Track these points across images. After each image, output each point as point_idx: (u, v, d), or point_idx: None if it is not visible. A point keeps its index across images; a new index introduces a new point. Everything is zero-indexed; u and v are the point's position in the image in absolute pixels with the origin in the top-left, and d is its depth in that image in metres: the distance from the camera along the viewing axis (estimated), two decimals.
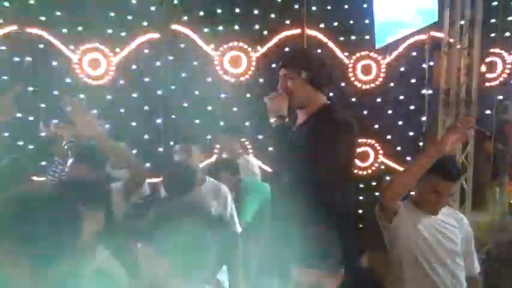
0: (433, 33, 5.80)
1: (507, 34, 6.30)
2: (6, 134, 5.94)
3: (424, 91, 6.21)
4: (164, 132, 6.10)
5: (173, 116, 6.17)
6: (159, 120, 6.16)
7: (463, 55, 4.02)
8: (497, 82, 6.33)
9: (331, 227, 2.05)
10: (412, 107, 6.23)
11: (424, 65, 6.18)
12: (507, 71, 6.62)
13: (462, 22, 4.56)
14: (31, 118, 5.96)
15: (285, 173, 2.23)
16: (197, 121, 6.18)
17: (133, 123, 6.08)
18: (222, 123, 6.19)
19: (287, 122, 2.27)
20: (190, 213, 1.44)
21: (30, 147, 5.94)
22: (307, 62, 2.30)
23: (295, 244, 1.76)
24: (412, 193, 2.43)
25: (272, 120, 2.27)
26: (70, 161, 3.01)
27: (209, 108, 6.23)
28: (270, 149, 3.44)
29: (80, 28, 6.04)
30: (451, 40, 4.12)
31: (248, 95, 6.24)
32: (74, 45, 6.00)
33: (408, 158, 6.18)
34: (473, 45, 4.01)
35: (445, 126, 4.13)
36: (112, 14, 6.10)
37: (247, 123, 6.21)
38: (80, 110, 2.40)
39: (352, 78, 6.24)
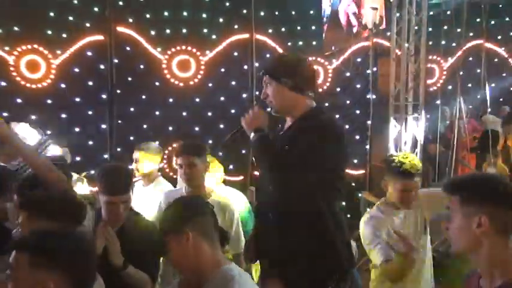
0: (376, 40, 6.04)
1: (443, 42, 6.69)
2: None
3: (368, 96, 6.44)
4: (110, 138, 5.87)
5: (119, 121, 5.96)
6: (104, 126, 5.91)
7: (410, 61, 4.19)
8: (435, 88, 6.71)
9: (320, 238, 2.06)
10: (357, 111, 6.43)
11: (368, 71, 6.43)
12: (444, 77, 7.04)
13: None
14: None
15: (269, 181, 2.13)
16: (144, 126, 6.01)
17: (77, 129, 5.80)
18: (170, 128, 6.07)
19: (264, 133, 2.16)
20: None
21: None
22: (287, 67, 2.20)
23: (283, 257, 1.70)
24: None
25: (249, 134, 2.18)
26: None
27: (157, 113, 6.08)
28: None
29: (16, 28, 5.69)
30: (398, 47, 4.29)
31: (197, 100, 6.16)
32: (10, 46, 5.63)
33: (355, 161, 6.37)
34: (420, 52, 4.20)
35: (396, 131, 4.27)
36: (52, 14, 5.80)
37: (196, 128, 6.13)
38: None
39: None
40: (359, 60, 6.46)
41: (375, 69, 6.33)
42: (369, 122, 6.22)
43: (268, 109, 2.23)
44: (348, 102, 6.45)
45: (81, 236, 1.46)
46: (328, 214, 2.10)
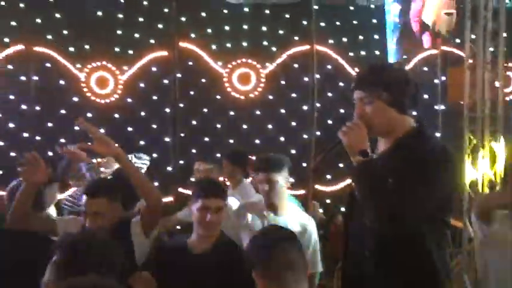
0: (444, 48, 5.76)
1: None
2: (13, 155, 5.85)
3: (436, 106, 6.14)
4: (173, 150, 6.00)
5: (182, 134, 6.08)
6: (167, 139, 6.06)
7: (486, 70, 3.92)
8: None
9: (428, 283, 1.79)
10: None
11: (436, 80, 6.14)
12: None
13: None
14: (38, 138, 5.87)
15: (369, 215, 1.81)
16: (206, 139, 6.08)
17: (142, 142, 5.98)
18: (231, 140, 6.11)
19: (370, 157, 1.85)
20: None
21: None
22: (387, 80, 1.85)
23: None
24: None
25: (352, 157, 1.84)
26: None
27: (218, 125, 6.14)
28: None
29: (87, 46, 5.99)
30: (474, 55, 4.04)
31: (258, 112, 6.16)
32: (81, 63, 5.94)
33: None
34: (497, 59, 3.92)
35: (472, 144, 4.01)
36: (119, 32, 6.05)
37: (257, 141, 6.12)
38: (94, 129, 2.29)
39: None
40: (425, 69, 6.19)
41: (443, 78, 6.04)
42: (438, 135, 5.92)
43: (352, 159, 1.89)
44: (414, 113, 6.17)
45: None
46: (437, 255, 1.82)
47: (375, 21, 6.25)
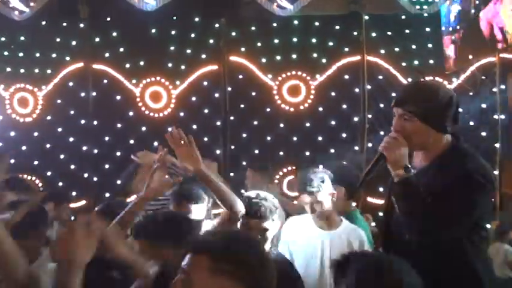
0: (503, 54, 5.50)
1: None
2: (73, 167, 6.14)
3: (496, 116, 5.86)
4: (223, 163, 6.07)
5: (232, 147, 6.15)
6: (218, 151, 6.14)
7: None
8: None
9: None
10: (483, 133, 5.86)
11: (495, 89, 5.86)
12: None
13: None
14: (96, 151, 6.13)
15: (409, 231, 1.83)
16: (256, 151, 6.11)
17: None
18: (281, 153, 6.10)
19: (412, 174, 1.85)
20: None
21: (95, 179, 6.09)
22: (429, 101, 1.85)
23: None
24: None
25: (393, 171, 1.86)
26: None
27: (268, 138, 6.15)
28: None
29: (141, 63, 6.22)
30: None
31: (307, 124, 6.13)
32: (136, 79, 6.16)
33: None
34: None
35: None
36: (172, 48, 6.24)
37: (307, 153, 6.08)
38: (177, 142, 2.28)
39: None
40: (483, 77, 5.92)
41: (502, 86, 5.76)
42: (497, 145, 5.64)
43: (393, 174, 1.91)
44: (471, 123, 5.92)
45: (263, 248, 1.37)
46: (479, 263, 1.82)
47: (428, 29, 6.08)
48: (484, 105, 5.84)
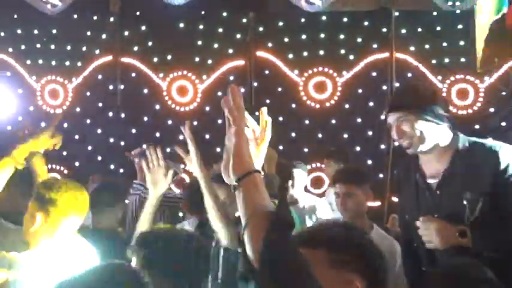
0: None
1: None
2: (99, 158, 6.26)
3: None
4: None
5: None
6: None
7: None
8: None
9: None
10: None
11: None
12: None
13: None
14: (122, 143, 6.23)
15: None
16: (281, 147, 6.09)
17: (218, 149, 6.11)
18: (306, 149, 6.06)
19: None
20: None
21: (121, 170, 6.19)
22: (411, 95, 1.97)
23: None
24: None
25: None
26: None
27: (293, 134, 6.12)
28: None
29: (169, 57, 6.27)
30: None
31: (333, 121, 6.07)
32: (164, 73, 6.22)
33: None
34: None
35: None
36: (199, 43, 6.27)
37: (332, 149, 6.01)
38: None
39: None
40: None
41: None
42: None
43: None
44: (503, 124, 5.75)
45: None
46: None
47: (460, 26, 5.92)
48: None
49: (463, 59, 5.81)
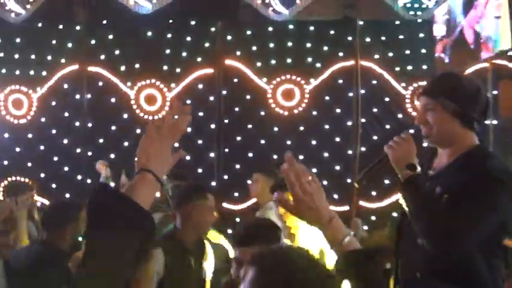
0: (496, 61, 5.55)
1: None
2: (66, 169, 6.14)
3: (487, 121, 5.91)
4: (217, 166, 6.09)
5: (226, 150, 6.16)
6: (212, 154, 6.16)
7: None
8: None
9: None
10: None
11: (487, 94, 5.90)
12: None
13: None
14: (89, 153, 6.14)
15: (419, 233, 1.71)
16: (250, 155, 6.13)
17: (187, 158, 6.10)
18: (275, 156, 6.11)
19: (419, 172, 1.77)
20: None
21: (88, 181, 6.08)
22: (454, 90, 1.74)
23: None
24: None
25: (399, 172, 1.78)
26: None
27: (262, 141, 6.17)
28: None
29: (137, 65, 6.24)
30: None
31: (301, 128, 6.16)
32: (131, 81, 6.18)
33: None
34: None
35: None
36: (167, 51, 6.27)
37: (300, 157, 6.09)
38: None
39: (410, 110, 6.03)
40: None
41: (495, 92, 5.80)
42: (490, 150, 5.68)
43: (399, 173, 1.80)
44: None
45: None
46: (491, 284, 1.68)
47: (422, 35, 6.13)
48: None
49: (424, 66, 6.00)
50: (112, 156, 6.08)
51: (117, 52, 6.27)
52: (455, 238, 1.62)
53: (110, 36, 6.29)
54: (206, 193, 2.44)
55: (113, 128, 6.18)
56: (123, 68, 6.23)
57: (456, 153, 1.76)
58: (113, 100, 6.22)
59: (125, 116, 6.21)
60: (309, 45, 6.28)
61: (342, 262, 1.20)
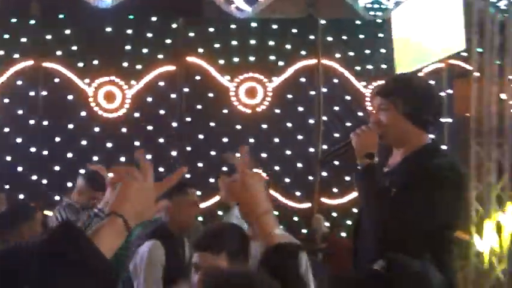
0: (451, 61, 5.74)
1: None
2: (20, 169, 5.89)
3: (442, 120, 6.10)
4: (179, 164, 6.00)
5: (188, 149, 6.09)
6: (174, 153, 6.07)
7: (492, 82, 3.89)
8: None
9: None
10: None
11: (442, 94, 6.10)
12: None
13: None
14: (45, 152, 5.91)
15: (369, 224, 1.80)
16: (213, 153, 6.08)
17: (148, 156, 5.99)
18: (238, 155, 6.08)
19: (375, 162, 1.84)
20: None
21: (44, 181, 5.87)
22: (407, 91, 1.80)
23: None
24: None
25: (358, 160, 1.83)
26: None
27: (225, 140, 6.14)
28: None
29: (95, 62, 6.06)
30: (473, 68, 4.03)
31: (264, 126, 6.16)
32: (89, 78, 6.00)
33: None
34: (504, 72, 3.89)
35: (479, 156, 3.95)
36: (127, 47, 6.12)
37: (263, 155, 6.10)
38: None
39: (370, 108, 6.14)
40: (431, 82, 6.15)
41: (449, 91, 6.00)
42: (444, 147, 5.87)
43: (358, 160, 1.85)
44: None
45: None
46: (439, 274, 1.68)
47: (381, 35, 6.26)
48: None
49: (384, 66, 6.13)
50: (69, 155, 5.88)
51: (74, 48, 6.06)
52: (396, 231, 1.68)
53: (67, 31, 6.08)
54: (186, 188, 2.55)
55: (70, 126, 5.98)
56: (80, 64, 6.03)
57: (408, 151, 1.82)
58: (70, 97, 6.01)
59: (83, 113, 6.02)
60: (271, 43, 6.29)
61: (264, 255, 1.22)
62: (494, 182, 3.81)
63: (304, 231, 5.83)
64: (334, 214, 5.87)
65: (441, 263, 1.72)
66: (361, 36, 6.31)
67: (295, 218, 5.82)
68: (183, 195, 2.51)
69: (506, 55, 3.90)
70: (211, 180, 5.74)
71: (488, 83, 3.98)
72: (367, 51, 6.26)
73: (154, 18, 6.20)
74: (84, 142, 5.91)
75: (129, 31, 6.14)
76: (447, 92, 6.07)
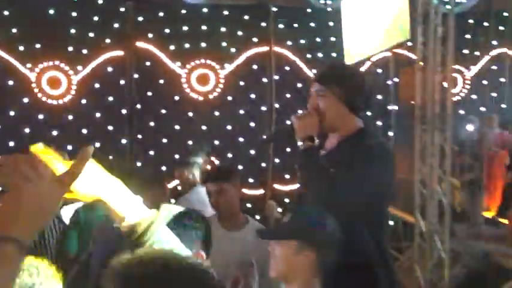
0: (397, 50, 5.93)
1: (465, 51, 6.56)
2: None
3: (389, 107, 6.34)
4: (130, 152, 5.87)
5: (139, 136, 5.96)
6: (124, 141, 5.91)
7: (436, 72, 4.08)
8: (459, 98, 6.57)
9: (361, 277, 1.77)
10: (378, 123, 6.31)
11: (389, 82, 6.34)
12: (467, 86, 6.89)
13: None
14: None
15: (310, 203, 1.90)
16: (164, 140, 5.99)
17: (97, 144, 5.80)
18: (190, 142, 6.04)
19: (316, 144, 1.93)
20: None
21: None
22: (342, 78, 1.93)
23: None
24: None
25: (299, 142, 1.92)
26: None
27: (176, 127, 6.06)
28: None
29: (37, 45, 5.76)
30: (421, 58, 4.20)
31: (216, 113, 6.13)
32: (32, 63, 5.70)
33: None
34: (446, 62, 4.09)
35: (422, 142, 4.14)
36: (72, 31, 5.86)
37: (216, 142, 6.08)
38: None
39: None
40: (379, 71, 6.36)
41: (395, 79, 6.23)
42: (391, 134, 6.11)
43: (299, 142, 1.94)
44: (368, 113, 6.33)
45: None
46: (376, 252, 1.84)
47: (331, 23, 6.37)
48: (379, 97, 6.28)
49: (334, 54, 6.25)
50: (11, 144, 5.59)
51: (14, 30, 5.72)
52: (335, 206, 1.78)
53: (6, 13, 5.72)
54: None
55: (12, 113, 5.67)
56: (21, 48, 5.71)
57: (344, 135, 1.96)
58: (10, 83, 5.69)
59: (25, 100, 5.73)
60: (223, 29, 6.24)
61: None
62: (436, 165, 4.03)
63: (257, 217, 5.90)
64: (287, 200, 5.97)
65: (375, 235, 1.86)
66: (312, 25, 6.39)
67: (249, 205, 5.87)
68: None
69: (448, 45, 4.09)
70: (163, 168, 5.67)
71: (432, 72, 4.16)
72: (318, 40, 6.35)
73: (100, 1, 5.96)
74: (27, 130, 5.63)
75: (74, 13, 5.87)
76: (394, 81, 6.30)
